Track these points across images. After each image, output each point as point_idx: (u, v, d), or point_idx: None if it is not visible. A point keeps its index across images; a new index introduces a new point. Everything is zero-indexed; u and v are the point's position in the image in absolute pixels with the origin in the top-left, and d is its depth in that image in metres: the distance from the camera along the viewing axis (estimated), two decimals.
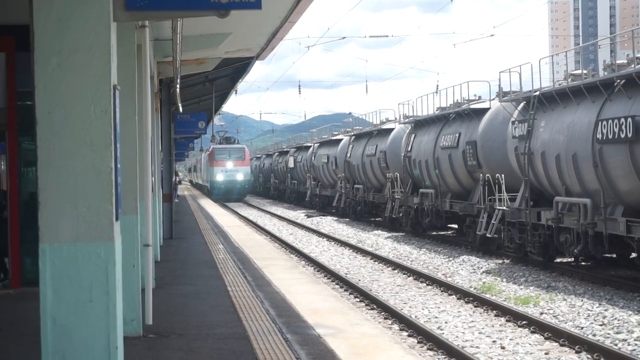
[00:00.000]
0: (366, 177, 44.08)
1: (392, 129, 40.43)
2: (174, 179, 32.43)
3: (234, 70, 28.32)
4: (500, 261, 25.39)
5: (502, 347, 14.07)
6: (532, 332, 15.13)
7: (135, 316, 10.93)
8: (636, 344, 14.09)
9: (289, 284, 16.52)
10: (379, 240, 33.79)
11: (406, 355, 10.42)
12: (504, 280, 21.76)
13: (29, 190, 15.10)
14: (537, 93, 23.65)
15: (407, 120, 37.65)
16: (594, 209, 20.53)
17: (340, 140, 52.26)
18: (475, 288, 20.62)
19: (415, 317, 16.87)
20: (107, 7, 6.96)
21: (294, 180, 69.83)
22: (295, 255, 28.93)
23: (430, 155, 32.47)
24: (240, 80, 31.76)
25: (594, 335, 14.92)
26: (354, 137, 48.08)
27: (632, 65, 20.10)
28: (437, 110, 34.20)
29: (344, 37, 50.54)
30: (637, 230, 18.96)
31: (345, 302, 15.32)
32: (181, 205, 54.33)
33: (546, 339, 14.60)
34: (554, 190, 22.86)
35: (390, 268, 25.20)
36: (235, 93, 40.67)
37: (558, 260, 23.79)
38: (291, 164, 69.50)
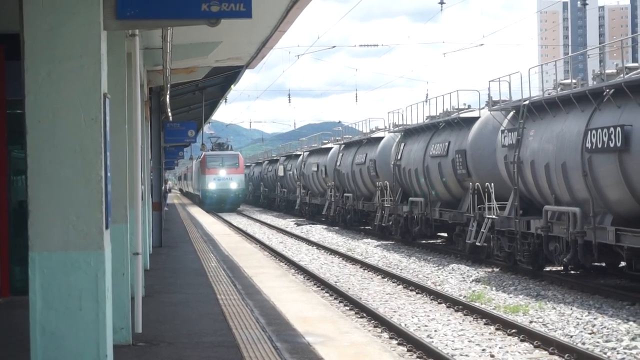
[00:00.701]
0: (356, 185, 44.10)
1: (382, 138, 40.47)
2: (163, 187, 32.41)
3: (224, 78, 28.32)
4: (489, 270, 25.41)
5: (492, 356, 14.08)
6: (522, 341, 15.14)
7: (125, 324, 10.92)
8: (625, 353, 14.12)
9: (278, 292, 16.52)
10: (369, 249, 33.80)
11: None
12: (494, 288, 21.79)
13: (19, 198, 15.06)
14: (527, 102, 23.71)
15: (396, 129, 37.70)
16: (583, 218, 20.58)
17: (330, 148, 52.29)
18: (464, 296, 20.64)
19: (405, 325, 16.88)
20: (98, 16, 6.97)
21: (283, 189, 69.77)
22: (285, 264, 28.91)
23: (419, 164, 32.51)
24: (230, 88, 31.76)
25: (583, 343, 14.94)
26: (343, 145, 48.11)
27: (621, 75, 20.17)
28: (426, 119, 34.26)
29: (333, 46, 50.68)
30: (626, 239, 19.00)
31: (334, 311, 15.33)
32: (171, 213, 54.29)
33: (535, 347, 14.62)
34: (544, 199, 22.91)
35: (379, 276, 25.20)
36: (225, 102, 40.72)
37: (547, 268, 23.82)
38: (281, 173, 69.40)
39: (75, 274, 6.93)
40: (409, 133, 35.35)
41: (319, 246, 35.90)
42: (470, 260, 27.47)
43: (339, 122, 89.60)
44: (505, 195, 25.29)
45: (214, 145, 76.39)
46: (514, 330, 15.79)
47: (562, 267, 23.15)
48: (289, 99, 78.16)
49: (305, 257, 31.52)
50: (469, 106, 31.89)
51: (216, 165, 71.79)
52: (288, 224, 53.15)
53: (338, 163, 47.71)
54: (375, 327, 16.81)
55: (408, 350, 14.42)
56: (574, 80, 22.60)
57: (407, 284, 22.90)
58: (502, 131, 25.24)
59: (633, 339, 14.96)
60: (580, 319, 17.06)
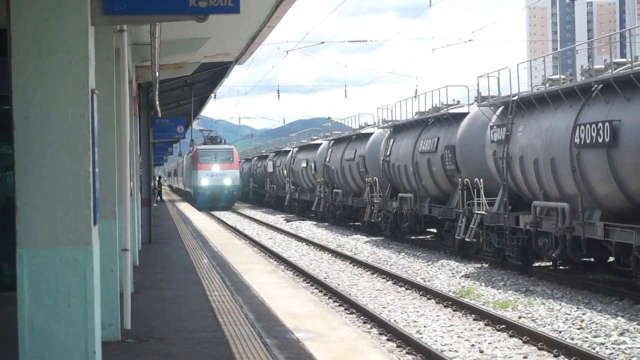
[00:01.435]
0: (345, 181, 44.11)
1: (371, 134, 40.49)
2: (153, 183, 32.32)
3: (213, 74, 28.28)
4: (479, 265, 25.45)
5: (481, 351, 14.10)
6: (511, 336, 15.17)
7: (114, 321, 10.88)
8: (614, 348, 14.15)
9: (268, 289, 16.50)
10: (358, 245, 33.81)
11: (385, 359, 10.42)
12: (483, 284, 21.82)
13: (7, 194, 15.01)
14: (516, 98, 23.74)
15: (386, 124, 37.73)
16: (572, 213, 20.62)
17: (319, 144, 52.31)
18: (454, 292, 20.66)
19: (394, 321, 16.89)
20: (85, 11, 6.94)
21: (273, 185, 69.68)
22: (275, 260, 28.90)
23: (409, 160, 32.53)
24: (219, 84, 31.73)
25: (572, 338, 14.98)
26: (333, 141, 48.12)
27: (610, 70, 20.20)
28: (416, 115, 34.30)
29: (322, 42, 50.53)
30: (614, 234, 19.05)
31: (324, 307, 15.31)
32: (160, 209, 54.16)
33: (524, 342, 14.65)
34: (532, 195, 22.95)
35: (369, 272, 25.21)
36: (214, 97, 40.62)
37: (536, 264, 23.88)
38: (270, 169, 69.32)
39: (64, 270, 6.90)
40: (398, 129, 35.37)
41: (308, 242, 35.90)
42: (460, 256, 27.51)
43: (329, 118, 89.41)
44: (494, 191, 25.33)
45: (206, 139, 71.96)
46: (503, 326, 15.81)
47: (551, 263, 23.21)
48: (278, 95, 78.16)
49: (294, 253, 31.52)
50: (458, 102, 31.94)
51: (209, 160, 67.24)
52: (277, 220, 53.13)
53: (327, 159, 47.71)
54: (364, 323, 16.82)
55: (398, 346, 14.44)
56: (562, 76, 22.63)
57: (397, 279, 22.91)
58: (491, 127, 25.27)
59: (621, 334, 15.00)
60: (569, 314, 17.10)
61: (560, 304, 18.28)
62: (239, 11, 7.32)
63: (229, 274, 18.91)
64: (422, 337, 15.19)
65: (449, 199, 29.60)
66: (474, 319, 17.00)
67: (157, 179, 68.72)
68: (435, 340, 15.03)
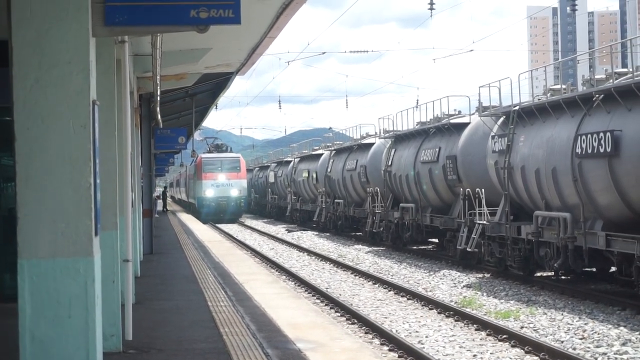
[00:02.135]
0: (347, 191, 44.10)
1: (373, 144, 40.48)
2: (154, 195, 32.31)
3: (214, 85, 28.31)
4: (480, 275, 25.43)
5: None
6: (513, 346, 15.15)
7: (115, 332, 10.88)
8: (616, 358, 14.13)
9: (269, 299, 16.49)
10: (360, 255, 33.79)
11: None
12: (485, 294, 21.79)
13: (8, 205, 15.02)
14: (517, 108, 23.73)
15: (387, 135, 37.73)
16: (574, 223, 20.60)
17: (321, 155, 52.28)
18: (455, 302, 20.64)
19: (396, 331, 16.87)
20: (86, 22, 6.96)
21: (274, 195, 69.59)
22: (276, 270, 28.88)
23: (410, 170, 32.53)
24: (220, 95, 31.75)
25: (574, 349, 14.95)
26: (334, 151, 48.12)
27: (611, 80, 20.21)
28: (417, 125, 34.30)
29: (323, 53, 50.61)
30: (616, 244, 19.03)
31: (325, 317, 15.31)
32: (161, 220, 54.17)
33: (527, 352, 14.62)
34: (534, 205, 22.93)
35: (370, 282, 25.19)
36: (216, 108, 40.68)
37: (538, 274, 23.85)
38: (272, 179, 69.19)
39: (65, 281, 6.91)
40: (400, 139, 35.37)
41: (310, 252, 35.88)
42: (461, 266, 27.47)
43: (330, 128, 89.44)
44: (495, 201, 25.31)
45: (210, 147, 67.39)
46: (505, 336, 15.79)
47: (553, 273, 23.16)
48: (280, 106, 78.19)
49: (296, 264, 31.50)
50: (459, 112, 31.96)
51: (214, 169, 62.84)
52: (279, 230, 53.11)
53: (329, 169, 47.71)
54: (366, 333, 16.80)
55: (399, 357, 14.41)
56: (563, 86, 22.63)
57: (398, 290, 22.89)
58: (493, 137, 25.27)
59: (624, 344, 14.98)
60: (571, 324, 17.08)
61: (562, 314, 18.25)
62: (240, 22, 7.34)
63: (230, 285, 18.91)
64: (423, 348, 15.16)
65: (451, 209, 29.58)
66: (475, 329, 16.97)
67: (161, 189, 67.51)
68: (437, 351, 15.01)
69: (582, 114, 20.49)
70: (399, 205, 34.49)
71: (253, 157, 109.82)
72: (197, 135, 57.44)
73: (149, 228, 27.36)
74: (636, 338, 15.40)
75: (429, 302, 20.43)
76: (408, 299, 21.51)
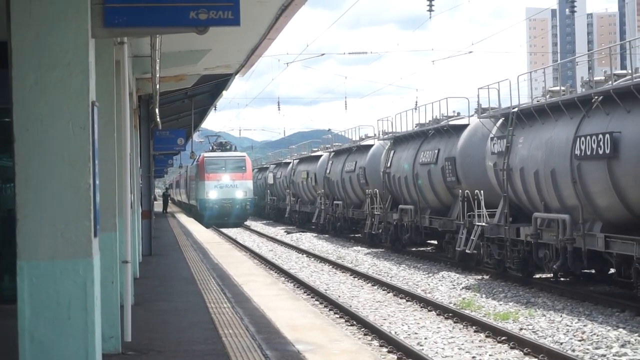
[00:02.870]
0: (346, 193, 44.10)
1: (372, 145, 40.49)
2: (154, 195, 32.30)
3: (213, 86, 28.31)
4: (479, 277, 25.42)
5: None
6: (512, 348, 15.15)
7: (114, 333, 10.87)
8: (615, 359, 14.13)
9: (268, 300, 16.48)
10: (359, 256, 33.78)
11: None
12: (484, 296, 21.79)
13: (8, 207, 15.01)
14: (516, 109, 23.74)
15: (386, 136, 37.72)
16: (573, 225, 20.60)
17: (320, 156, 52.30)
18: (454, 304, 20.63)
19: (395, 333, 16.87)
20: (86, 23, 6.96)
21: (273, 197, 69.58)
22: (275, 272, 28.88)
23: (409, 172, 32.52)
24: (219, 96, 31.75)
25: (573, 350, 14.95)
26: (333, 153, 48.13)
27: (610, 82, 20.22)
28: (416, 127, 34.30)
29: (323, 54, 50.69)
30: (615, 246, 19.03)
31: (325, 318, 15.29)
32: (160, 221, 54.10)
33: (525, 354, 14.62)
34: (533, 206, 22.93)
35: (370, 284, 25.18)
36: (215, 109, 40.65)
37: (537, 276, 23.84)
38: (270, 180, 69.19)
39: (64, 283, 6.91)
40: (399, 141, 35.37)
41: (309, 254, 35.87)
42: (460, 268, 27.47)
43: (329, 129, 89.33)
44: (494, 203, 25.30)
45: (214, 145, 63.53)
46: (504, 338, 15.79)
47: (552, 274, 23.18)
48: (279, 107, 78.16)
49: (295, 265, 31.49)
50: (458, 113, 31.95)
51: (218, 169, 58.43)
52: (278, 231, 53.10)
53: (328, 171, 47.71)
54: (365, 335, 16.79)
55: (398, 358, 14.41)
56: (562, 88, 22.63)
57: (397, 291, 22.89)
58: (492, 138, 25.27)
59: (622, 346, 14.98)
60: (570, 326, 17.07)
61: (561, 316, 18.25)
62: (239, 23, 7.34)
63: (229, 286, 18.89)
64: (423, 349, 15.16)
65: (450, 210, 29.58)
66: (474, 331, 16.97)
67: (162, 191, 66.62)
68: (436, 352, 15.01)
69: (581, 116, 20.50)
70: (397, 207, 34.49)
71: (252, 159, 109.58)
72: (196, 137, 57.11)
73: (148, 229, 27.34)
74: (635, 340, 15.40)
75: (428, 304, 20.43)
76: (407, 301, 21.50)
